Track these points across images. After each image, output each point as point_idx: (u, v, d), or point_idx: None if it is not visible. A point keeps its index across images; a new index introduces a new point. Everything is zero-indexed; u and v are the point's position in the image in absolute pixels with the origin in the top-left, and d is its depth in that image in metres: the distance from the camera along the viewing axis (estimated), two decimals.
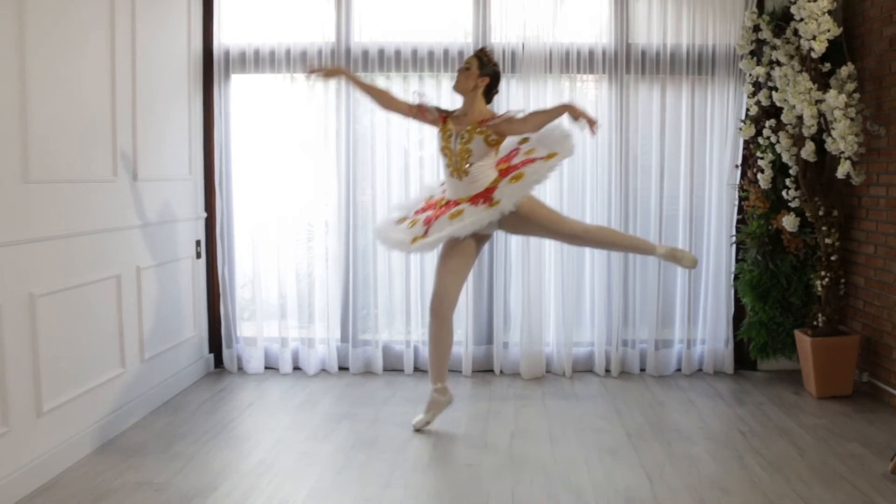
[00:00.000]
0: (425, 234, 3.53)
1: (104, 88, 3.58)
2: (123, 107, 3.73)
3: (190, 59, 4.52)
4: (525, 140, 3.80)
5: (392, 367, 4.83)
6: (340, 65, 4.64)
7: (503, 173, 3.64)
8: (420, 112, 3.79)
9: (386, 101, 3.82)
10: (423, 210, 3.77)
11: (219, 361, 4.85)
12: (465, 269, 3.72)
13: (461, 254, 3.65)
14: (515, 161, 3.70)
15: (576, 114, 3.51)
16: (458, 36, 4.73)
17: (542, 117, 3.61)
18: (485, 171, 3.64)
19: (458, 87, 3.70)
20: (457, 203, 3.60)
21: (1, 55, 2.84)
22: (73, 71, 3.32)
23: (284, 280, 4.77)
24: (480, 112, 3.69)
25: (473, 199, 3.57)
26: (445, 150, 3.68)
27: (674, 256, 3.81)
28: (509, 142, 3.79)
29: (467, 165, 3.61)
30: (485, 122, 3.63)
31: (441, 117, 3.76)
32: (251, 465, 3.29)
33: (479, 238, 3.73)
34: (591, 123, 3.51)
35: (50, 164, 3.13)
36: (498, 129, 3.63)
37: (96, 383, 3.49)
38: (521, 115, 3.64)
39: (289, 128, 4.73)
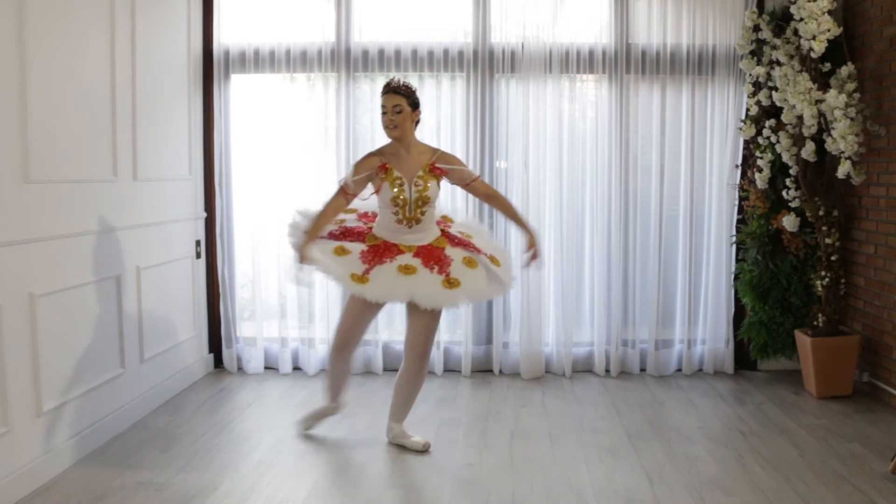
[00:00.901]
0: (364, 274, 3.22)
1: (104, 88, 3.57)
2: (123, 107, 3.73)
3: (190, 59, 4.51)
4: (447, 220, 3.62)
5: (392, 367, 4.82)
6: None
7: (446, 236, 3.44)
8: (349, 192, 3.38)
9: (331, 215, 3.42)
10: (344, 236, 3.41)
11: (219, 361, 4.85)
12: (375, 315, 3.51)
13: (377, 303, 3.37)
14: (452, 231, 3.51)
15: (534, 250, 3.46)
16: (458, 36, 4.73)
17: (508, 209, 3.52)
18: (432, 219, 3.44)
19: (398, 134, 3.34)
20: (400, 251, 3.31)
21: (1, 55, 2.84)
22: (74, 71, 3.32)
23: (284, 280, 4.77)
24: (420, 150, 3.42)
25: (424, 258, 3.30)
26: (398, 199, 3.32)
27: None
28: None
29: (420, 213, 3.36)
30: (436, 167, 3.39)
31: (380, 167, 3.36)
32: (251, 465, 3.29)
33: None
34: (534, 258, 3.47)
35: (50, 164, 3.13)
36: (455, 181, 3.47)
37: (96, 383, 3.48)
38: (480, 181, 3.51)
39: (289, 128, 4.73)
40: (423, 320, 3.35)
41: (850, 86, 4.11)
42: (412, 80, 4.70)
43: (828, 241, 4.33)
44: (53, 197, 3.16)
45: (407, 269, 3.26)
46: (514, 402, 4.24)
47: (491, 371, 4.81)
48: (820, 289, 4.37)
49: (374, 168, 3.36)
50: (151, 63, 4.01)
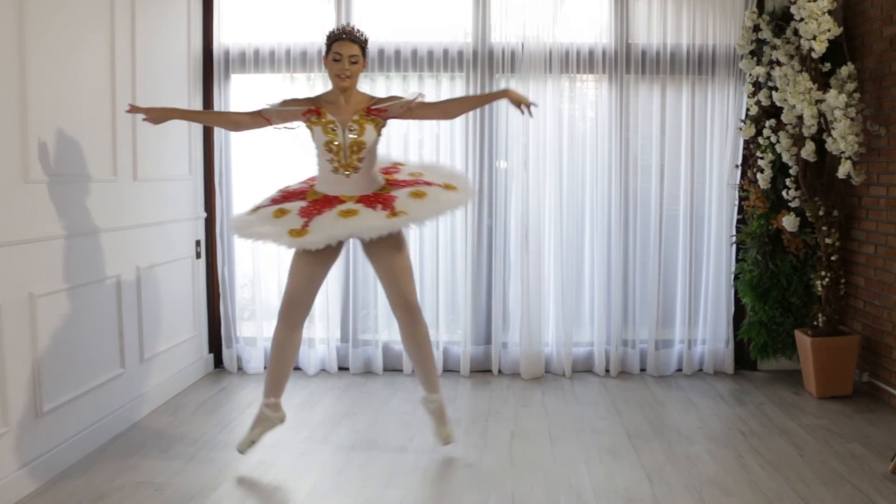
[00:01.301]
0: (304, 226, 3.07)
1: (104, 88, 3.58)
2: (123, 106, 3.71)
3: (190, 58, 4.51)
4: (398, 165, 3.53)
5: (392, 367, 4.83)
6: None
7: (391, 183, 3.30)
8: (261, 118, 3.27)
9: (231, 122, 3.41)
10: (285, 199, 3.29)
11: (219, 361, 4.85)
12: (324, 275, 3.31)
13: (323, 257, 3.20)
14: (400, 177, 3.38)
15: (516, 99, 3.24)
16: (458, 36, 4.73)
17: (473, 101, 3.38)
18: (373, 167, 3.28)
19: (349, 84, 3.22)
20: (341, 200, 3.17)
21: (1, 55, 2.84)
22: (73, 71, 3.32)
23: (284, 280, 4.74)
24: (358, 98, 3.29)
25: (367, 201, 3.16)
26: (331, 144, 3.21)
27: (440, 415, 3.43)
28: (380, 157, 3.45)
29: (357, 160, 3.22)
30: (373, 109, 3.25)
31: (312, 109, 3.25)
32: (251, 465, 3.29)
33: (340, 250, 3.31)
34: (529, 106, 3.24)
35: (50, 164, 3.13)
36: (396, 113, 3.27)
37: (96, 383, 3.48)
38: (426, 100, 3.32)
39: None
40: (388, 262, 3.19)
41: (850, 86, 4.11)
42: (412, 80, 4.73)
43: (828, 241, 4.33)
44: (53, 197, 3.16)
45: (348, 213, 3.10)
46: (514, 402, 4.24)
47: (490, 371, 4.81)
48: (820, 289, 4.37)
49: (304, 108, 3.24)
50: (151, 63, 4.01)
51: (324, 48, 3.28)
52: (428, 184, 3.27)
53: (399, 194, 3.18)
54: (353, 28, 3.25)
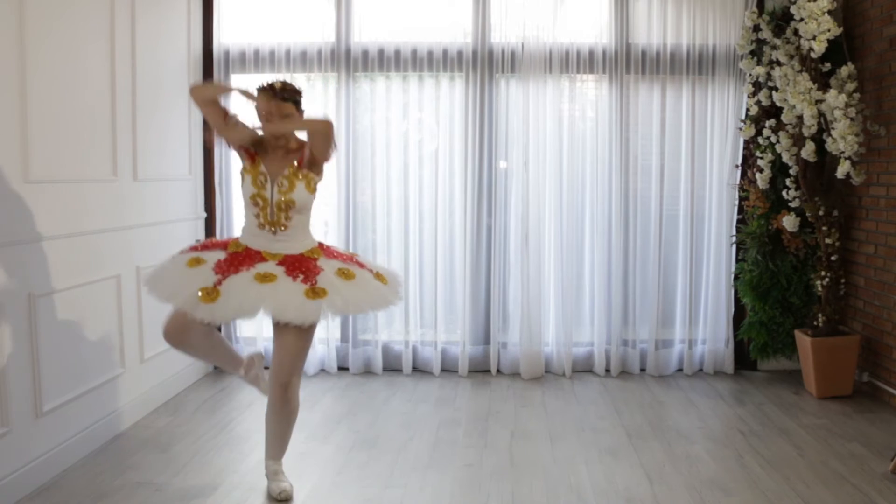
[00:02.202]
0: (216, 286, 2.76)
1: (104, 88, 3.57)
2: (123, 107, 3.73)
3: (190, 58, 4.51)
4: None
5: (391, 367, 4.83)
6: (341, 63, 4.66)
7: (323, 249, 3.02)
8: (228, 117, 3.03)
9: (217, 110, 3.07)
10: (204, 248, 2.99)
11: None
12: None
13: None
14: (334, 248, 3.12)
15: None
16: (458, 36, 4.73)
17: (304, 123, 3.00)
18: (304, 226, 2.99)
19: (280, 143, 2.96)
20: (263, 258, 2.88)
21: (1, 55, 2.84)
22: (73, 71, 3.32)
23: None
24: (291, 144, 3.00)
25: (289, 266, 2.85)
26: (257, 198, 2.92)
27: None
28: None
29: (285, 218, 2.92)
30: (302, 163, 2.96)
31: (248, 152, 2.98)
32: (251, 465, 3.29)
33: None
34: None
35: (50, 164, 3.13)
36: (313, 159, 2.97)
37: (96, 383, 3.48)
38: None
39: None
40: (287, 339, 2.86)
41: (850, 86, 4.11)
42: (412, 80, 4.73)
43: (828, 241, 4.33)
44: (53, 197, 3.16)
45: (265, 278, 2.80)
46: (514, 402, 4.24)
47: (489, 371, 4.81)
48: (820, 289, 4.37)
49: (250, 137, 2.97)
50: (151, 63, 4.01)
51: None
52: (360, 265, 3.01)
53: (326, 267, 2.90)
54: (272, 85, 2.94)
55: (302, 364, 2.98)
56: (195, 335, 2.92)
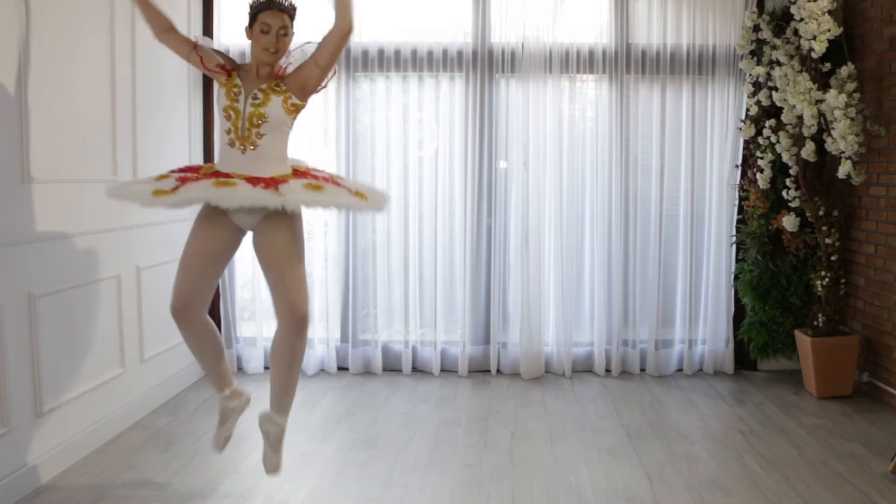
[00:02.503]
0: (173, 190, 2.68)
1: (104, 88, 3.57)
2: (123, 107, 3.73)
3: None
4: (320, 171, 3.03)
5: (391, 367, 4.84)
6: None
7: (298, 174, 2.87)
8: (195, 54, 2.91)
9: (161, 28, 2.93)
10: (181, 171, 2.89)
11: None
12: (219, 264, 2.90)
13: (215, 240, 2.83)
14: (314, 173, 2.95)
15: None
16: (458, 36, 4.74)
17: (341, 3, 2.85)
18: (277, 150, 2.86)
19: (274, 60, 2.87)
20: (228, 176, 2.76)
21: (1, 55, 2.84)
22: (74, 71, 3.31)
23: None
24: (276, 70, 2.92)
25: (252, 181, 2.73)
26: (230, 110, 2.82)
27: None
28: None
29: (256, 135, 2.81)
30: (281, 75, 2.89)
31: (225, 68, 2.89)
32: (251, 465, 3.29)
33: (234, 233, 2.89)
34: None
35: (50, 164, 3.13)
36: (301, 79, 2.87)
37: (96, 383, 3.48)
38: (316, 49, 2.87)
39: None
40: (270, 241, 2.77)
41: (850, 86, 4.11)
42: (412, 80, 4.73)
43: (828, 241, 4.33)
44: (53, 197, 3.16)
45: (223, 183, 2.69)
46: (514, 402, 4.24)
47: (489, 371, 4.81)
48: (820, 289, 4.37)
49: (219, 67, 2.88)
50: (151, 63, 4.01)
51: (249, 17, 2.88)
52: (337, 184, 2.86)
53: (293, 182, 2.77)
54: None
55: (301, 278, 2.80)
56: (198, 317, 2.85)
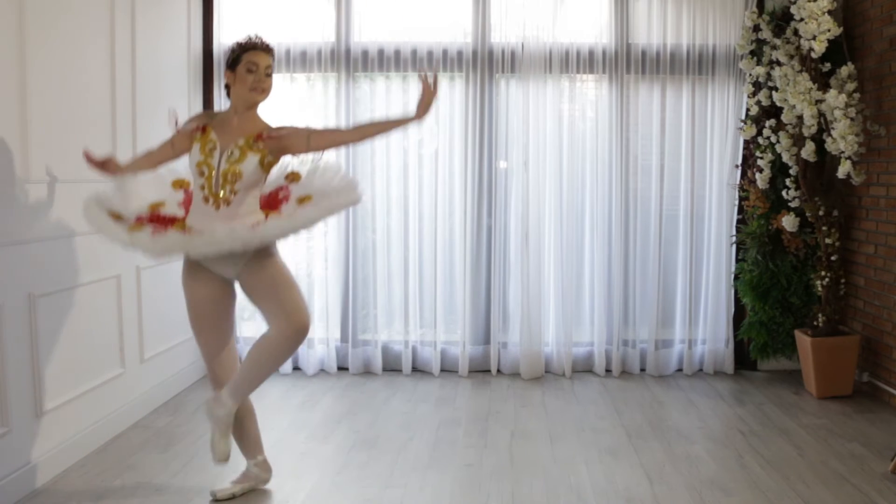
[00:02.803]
0: (153, 234, 2.64)
1: (104, 88, 3.58)
2: (123, 106, 3.73)
3: (190, 58, 4.51)
4: (294, 176, 2.97)
5: (391, 367, 4.83)
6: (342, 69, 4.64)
7: (269, 212, 2.85)
8: (181, 139, 2.88)
9: (153, 161, 2.97)
10: (150, 220, 2.80)
11: None
12: (224, 319, 2.88)
13: (208, 301, 2.82)
14: (292, 197, 2.91)
15: (426, 100, 2.82)
16: (458, 36, 4.74)
17: (373, 127, 2.90)
18: (250, 204, 2.80)
19: (263, 99, 2.84)
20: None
21: (1, 55, 2.84)
22: (74, 71, 3.32)
23: None
24: (257, 123, 2.85)
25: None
26: (203, 166, 2.75)
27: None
28: (273, 177, 2.97)
29: (230, 192, 2.74)
30: (263, 136, 2.80)
31: (199, 127, 2.84)
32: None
33: (222, 285, 2.84)
34: (431, 89, 2.81)
35: (50, 164, 3.13)
36: (283, 145, 2.81)
37: (96, 383, 3.48)
38: (317, 132, 2.86)
39: None
40: (258, 277, 2.74)
41: (850, 86, 4.11)
42: (412, 80, 4.73)
43: (828, 241, 4.33)
44: (53, 197, 3.15)
45: (198, 231, 2.67)
46: (514, 402, 4.24)
47: (489, 371, 4.81)
48: (820, 289, 4.37)
49: (195, 127, 2.84)
50: (151, 63, 4.01)
51: (229, 59, 2.84)
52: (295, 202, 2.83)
53: (264, 219, 2.75)
54: (260, 37, 2.85)
55: (299, 294, 2.78)
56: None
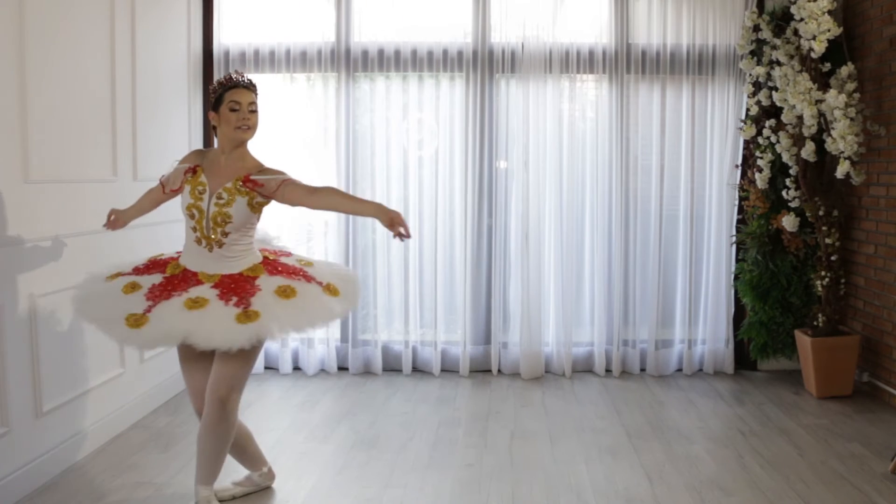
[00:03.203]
0: (145, 312, 2.60)
1: (104, 88, 3.58)
2: (123, 107, 3.73)
3: (190, 59, 4.51)
4: (288, 253, 3.02)
5: (391, 367, 4.83)
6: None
7: (268, 264, 2.82)
8: (166, 188, 2.89)
9: (153, 201, 3.01)
10: (147, 269, 2.82)
11: None
12: (206, 358, 2.76)
13: (203, 373, 2.78)
14: (285, 261, 2.90)
15: (391, 221, 2.68)
16: (458, 36, 4.74)
17: (343, 201, 2.85)
18: (244, 245, 2.79)
19: (250, 136, 2.80)
20: (198, 281, 2.71)
21: (1, 55, 2.84)
22: (74, 71, 3.32)
23: None
24: (247, 163, 2.81)
25: (224, 288, 2.68)
26: (193, 209, 2.75)
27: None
28: (267, 238, 3.07)
29: (221, 234, 2.75)
30: (251, 179, 2.76)
31: (190, 168, 2.82)
32: None
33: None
34: (405, 235, 2.69)
35: (50, 164, 3.13)
36: (268, 192, 2.77)
37: (96, 383, 3.48)
38: (303, 184, 2.79)
39: (288, 128, 4.73)
40: (223, 362, 2.66)
41: (850, 86, 4.11)
42: (412, 80, 4.73)
43: (828, 241, 4.33)
44: (53, 197, 3.16)
45: (195, 303, 2.62)
46: (514, 402, 4.24)
47: (489, 371, 4.81)
48: (820, 289, 4.37)
49: (187, 166, 2.83)
50: (151, 63, 4.01)
51: (212, 99, 2.80)
52: (308, 278, 2.79)
53: (265, 286, 2.71)
54: (243, 75, 2.82)
55: (243, 379, 2.74)
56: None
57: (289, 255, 2.98)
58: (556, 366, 4.79)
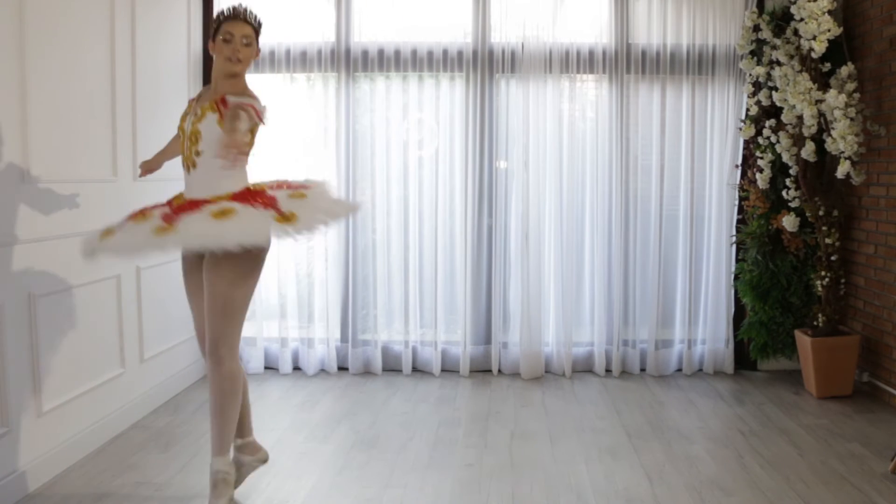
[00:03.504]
0: (171, 224, 2.56)
1: (104, 88, 3.58)
2: (123, 107, 3.73)
3: (190, 59, 4.51)
4: (284, 183, 2.92)
5: (391, 367, 4.83)
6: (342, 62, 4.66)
7: (244, 194, 2.69)
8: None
9: (178, 146, 2.98)
10: (145, 211, 2.75)
11: None
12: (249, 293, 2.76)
13: (193, 283, 2.83)
14: (275, 192, 2.78)
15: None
16: (458, 36, 4.74)
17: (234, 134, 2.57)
18: (221, 172, 2.65)
19: (239, 69, 2.77)
20: (206, 201, 2.64)
21: (1, 55, 2.84)
22: (73, 71, 3.32)
23: (284, 280, 4.78)
24: (234, 88, 2.77)
25: (174, 211, 2.63)
26: (180, 130, 2.81)
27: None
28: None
29: (195, 153, 2.70)
30: (224, 98, 2.70)
31: (194, 97, 2.90)
32: None
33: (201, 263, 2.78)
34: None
35: (49, 163, 3.13)
36: (230, 113, 2.65)
37: (96, 383, 3.48)
38: (239, 124, 2.59)
39: (289, 128, 4.73)
40: (208, 316, 2.68)
41: (850, 86, 4.11)
42: (412, 80, 4.73)
43: (828, 241, 4.33)
44: (53, 197, 3.16)
45: (224, 212, 2.57)
46: (514, 402, 4.24)
47: (490, 371, 4.81)
48: (820, 289, 4.37)
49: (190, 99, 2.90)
50: (151, 63, 4.01)
51: (212, 29, 2.81)
52: (267, 205, 2.68)
53: (280, 194, 2.70)
54: (246, 8, 2.80)
55: (230, 334, 2.68)
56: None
57: (290, 186, 2.86)
58: (556, 366, 4.79)
